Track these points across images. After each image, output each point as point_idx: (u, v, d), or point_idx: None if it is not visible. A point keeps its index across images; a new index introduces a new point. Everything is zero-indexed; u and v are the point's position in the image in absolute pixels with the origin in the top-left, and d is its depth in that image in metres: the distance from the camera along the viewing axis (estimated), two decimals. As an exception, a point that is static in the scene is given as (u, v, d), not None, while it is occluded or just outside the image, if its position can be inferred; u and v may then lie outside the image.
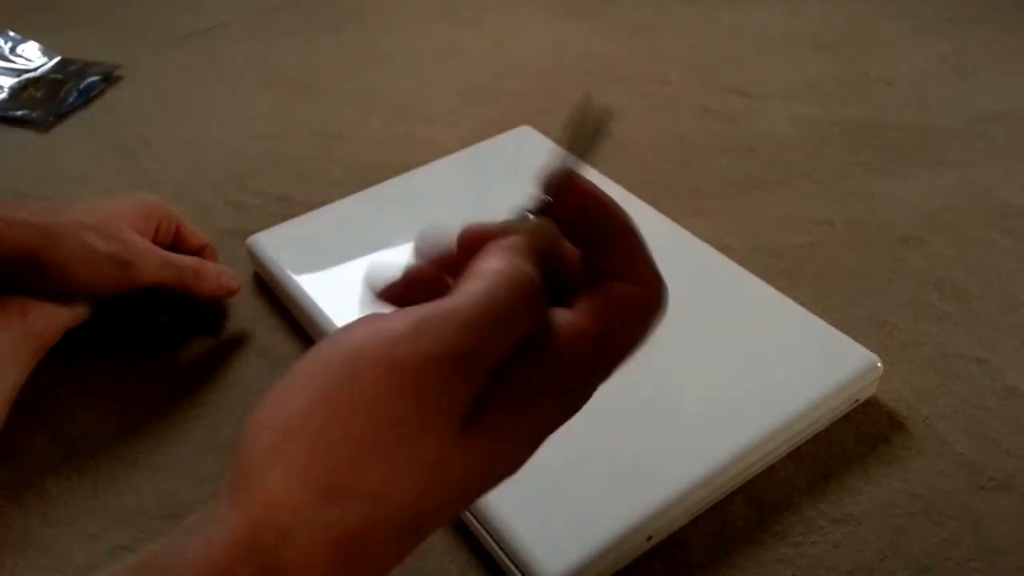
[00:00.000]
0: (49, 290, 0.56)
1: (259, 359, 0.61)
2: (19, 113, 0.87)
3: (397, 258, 0.35)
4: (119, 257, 0.56)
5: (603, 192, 0.35)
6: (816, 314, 0.59)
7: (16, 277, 0.54)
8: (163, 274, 0.58)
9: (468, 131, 0.81)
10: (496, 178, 0.72)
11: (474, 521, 0.49)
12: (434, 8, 1.05)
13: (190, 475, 0.54)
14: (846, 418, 0.56)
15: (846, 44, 0.96)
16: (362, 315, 0.32)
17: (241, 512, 0.28)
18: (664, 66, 0.93)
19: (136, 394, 0.59)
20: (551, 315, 0.32)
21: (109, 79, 0.92)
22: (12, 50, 0.95)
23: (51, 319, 0.56)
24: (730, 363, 0.56)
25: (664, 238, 0.65)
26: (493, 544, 0.48)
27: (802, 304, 0.59)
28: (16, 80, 0.92)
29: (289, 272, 0.63)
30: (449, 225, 0.35)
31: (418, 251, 0.35)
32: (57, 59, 0.94)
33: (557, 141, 0.34)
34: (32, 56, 0.95)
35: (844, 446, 0.55)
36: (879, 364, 0.56)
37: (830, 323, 0.58)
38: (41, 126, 0.86)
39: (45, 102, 0.88)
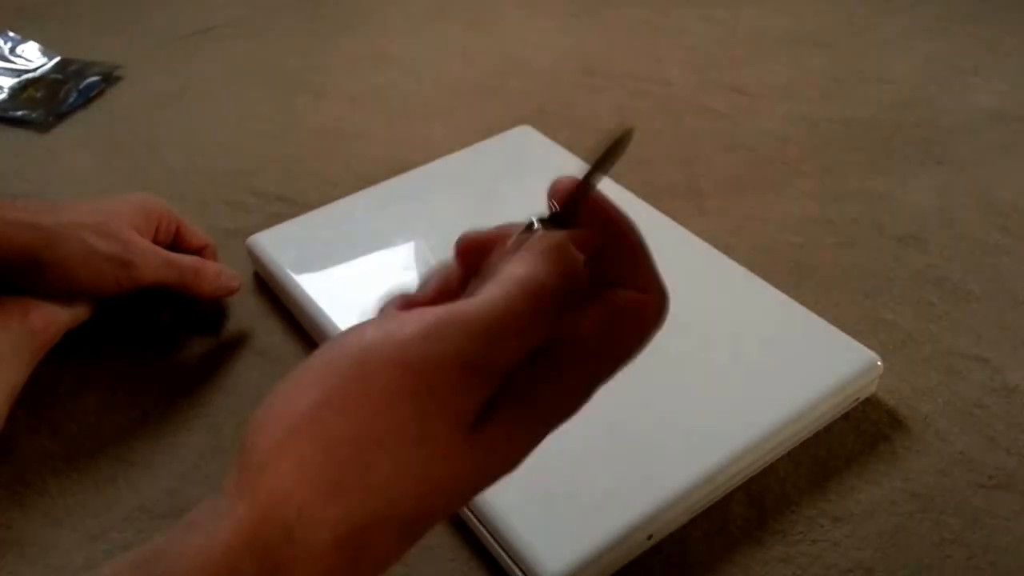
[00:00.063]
0: (49, 290, 0.56)
1: (259, 359, 0.61)
2: (19, 113, 0.87)
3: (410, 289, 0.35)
4: (119, 257, 0.56)
5: (614, 204, 0.35)
6: (816, 313, 0.59)
7: (16, 277, 0.55)
8: (163, 274, 0.58)
9: (468, 131, 0.81)
10: (496, 178, 0.72)
11: (475, 520, 0.49)
12: (434, 8, 1.05)
13: (191, 475, 0.54)
14: (846, 417, 0.56)
15: (845, 43, 0.96)
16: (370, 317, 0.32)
17: (246, 507, 0.28)
18: (664, 65, 0.93)
19: (136, 394, 0.59)
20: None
21: (109, 79, 0.92)
22: (12, 50, 0.95)
23: (51, 319, 0.56)
24: (730, 362, 0.56)
25: (665, 238, 0.65)
26: (494, 543, 0.48)
27: (802, 303, 0.59)
28: (16, 80, 0.92)
29: (289, 272, 0.63)
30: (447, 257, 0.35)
31: (424, 286, 0.35)
32: (57, 59, 0.94)
33: (582, 158, 0.34)
34: (32, 56, 0.95)
35: (844, 445, 0.55)
36: (879, 363, 0.56)
37: (830, 322, 0.58)
38: (41, 126, 0.86)
39: (45, 102, 0.88)
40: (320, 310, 0.60)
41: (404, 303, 0.34)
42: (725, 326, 0.58)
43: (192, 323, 0.63)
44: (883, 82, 0.89)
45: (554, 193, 0.35)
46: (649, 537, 0.49)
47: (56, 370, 0.59)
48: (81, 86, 0.90)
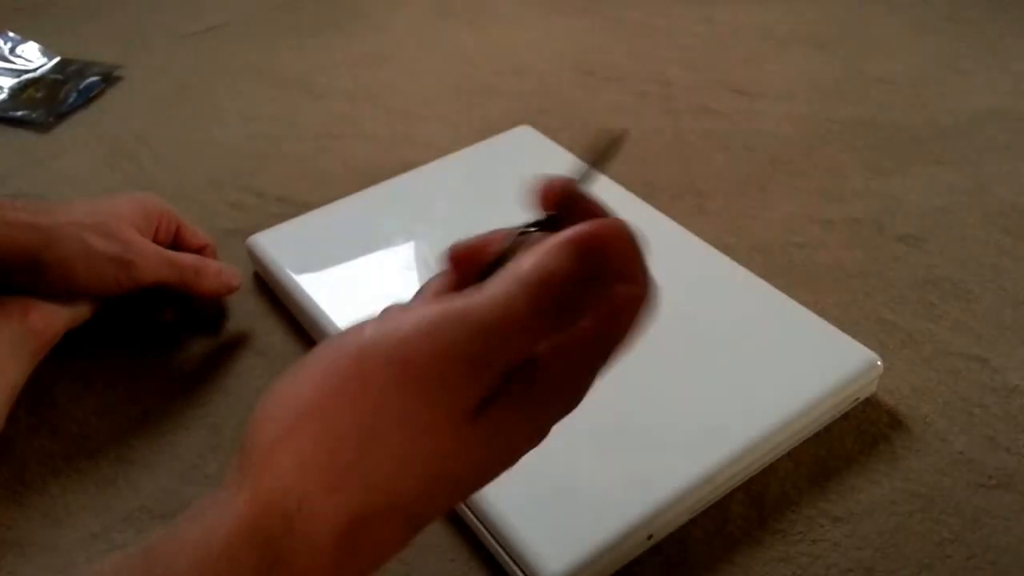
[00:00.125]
0: (50, 291, 0.56)
1: (259, 358, 0.62)
2: (19, 114, 0.87)
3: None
4: (120, 257, 0.56)
5: (605, 208, 0.35)
6: (816, 313, 0.59)
7: (17, 278, 0.55)
8: (164, 273, 0.58)
9: (468, 131, 0.81)
10: (496, 177, 0.72)
11: (475, 520, 0.49)
12: (433, 8, 1.05)
13: (191, 474, 0.54)
14: (846, 417, 0.56)
15: (845, 43, 0.96)
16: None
17: (246, 499, 0.28)
18: (663, 65, 0.93)
19: (137, 394, 0.59)
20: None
21: (109, 79, 0.92)
22: (12, 51, 0.95)
23: (52, 319, 0.56)
24: (730, 362, 0.56)
25: (664, 238, 0.65)
26: (494, 543, 0.48)
27: (802, 303, 0.59)
28: (16, 81, 0.92)
29: (289, 272, 0.63)
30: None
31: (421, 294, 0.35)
32: (57, 59, 0.94)
33: (574, 159, 0.34)
34: (32, 57, 0.95)
35: (844, 445, 0.55)
36: (879, 363, 0.56)
37: (830, 322, 0.58)
38: (41, 127, 0.86)
39: (45, 102, 0.88)
40: (320, 310, 0.60)
41: (402, 310, 0.34)
42: (725, 326, 0.58)
43: (192, 323, 0.63)
44: (883, 82, 0.89)
45: (545, 195, 0.35)
46: (649, 537, 0.49)
47: (56, 370, 0.59)
48: (81, 86, 0.90)
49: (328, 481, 0.28)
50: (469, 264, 0.34)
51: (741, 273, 0.62)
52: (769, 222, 0.72)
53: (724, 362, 0.56)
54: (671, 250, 0.64)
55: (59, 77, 0.92)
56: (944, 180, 0.76)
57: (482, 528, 0.49)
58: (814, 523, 0.51)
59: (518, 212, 0.36)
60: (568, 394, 0.33)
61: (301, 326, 0.63)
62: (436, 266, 0.36)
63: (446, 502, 0.32)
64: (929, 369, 0.59)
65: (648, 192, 0.69)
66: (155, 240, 0.60)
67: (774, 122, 0.84)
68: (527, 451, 0.33)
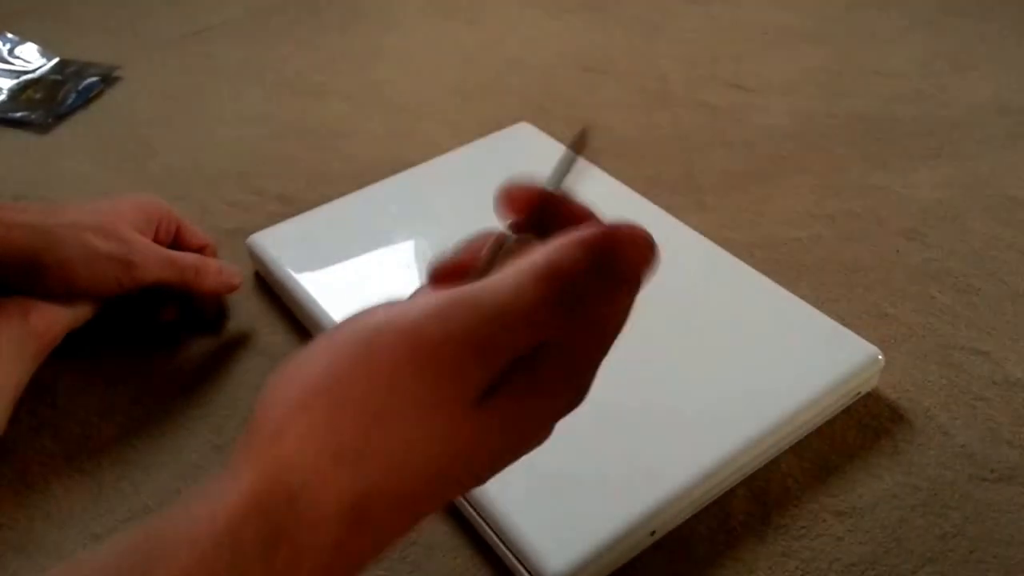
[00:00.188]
0: (51, 292, 0.56)
1: (261, 358, 0.62)
2: (18, 115, 0.87)
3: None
4: (120, 257, 0.56)
5: (588, 208, 0.35)
6: (817, 307, 0.59)
7: (18, 279, 0.55)
8: (165, 273, 0.58)
9: (467, 128, 0.81)
10: (496, 175, 0.71)
11: (478, 517, 0.49)
12: (432, 6, 1.05)
13: (193, 474, 0.54)
14: (848, 411, 0.56)
15: (843, 38, 0.96)
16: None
17: (251, 475, 0.28)
18: (662, 61, 0.93)
19: (138, 393, 0.59)
20: None
21: (108, 80, 0.92)
22: (11, 52, 0.95)
23: (53, 320, 0.56)
24: (731, 358, 0.56)
25: (664, 233, 0.64)
26: (497, 540, 0.48)
27: (803, 298, 0.60)
28: (15, 82, 0.92)
29: (290, 271, 0.63)
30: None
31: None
32: (56, 60, 0.94)
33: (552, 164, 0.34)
34: (31, 58, 0.95)
35: (846, 439, 0.55)
36: (880, 357, 0.56)
37: (831, 316, 0.58)
38: (40, 127, 0.86)
39: (44, 103, 0.88)
40: (321, 308, 0.60)
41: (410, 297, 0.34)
42: (726, 321, 0.58)
43: (193, 323, 0.64)
44: (882, 76, 0.89)
45: (508, 202, 0.36)
46: (652, 533, 0.49)
47: (57, 371, 0.59)
48: (80, 87, 0.90)
49: (333, 459, 0.29)
50: (453, 283, 0.33)
51: (742, 268, 0.62)
52: (768, 217, 0.72)
53: (725, 358, 0.56)
54: (671, 246, 0.63)
55: (58, 78, 0.92)
56: (943, 173, 0.76)
57: (485, 526, 0.49)
58: (817, 518, 0.51)
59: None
60: (572, 388, 0.34)
61: (302, 325, 0.63)
62: (436, 257, 0.36)
63: (448, 491, 0.32)
64: (930, 363, 0.59)
65: (647, 187, 0.69)
66: (155, 240, 0.60)
67: (773, 117, 0.84)
68: (530, 447, 0.33)
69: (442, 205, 0.69)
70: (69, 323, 0.57)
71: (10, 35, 0.97)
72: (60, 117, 0.87)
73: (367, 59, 0.95)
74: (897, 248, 0.69)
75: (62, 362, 0.58)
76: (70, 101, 0.89)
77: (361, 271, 0.64)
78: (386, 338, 0.30)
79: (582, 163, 0.35)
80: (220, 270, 0.62)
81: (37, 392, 0.57)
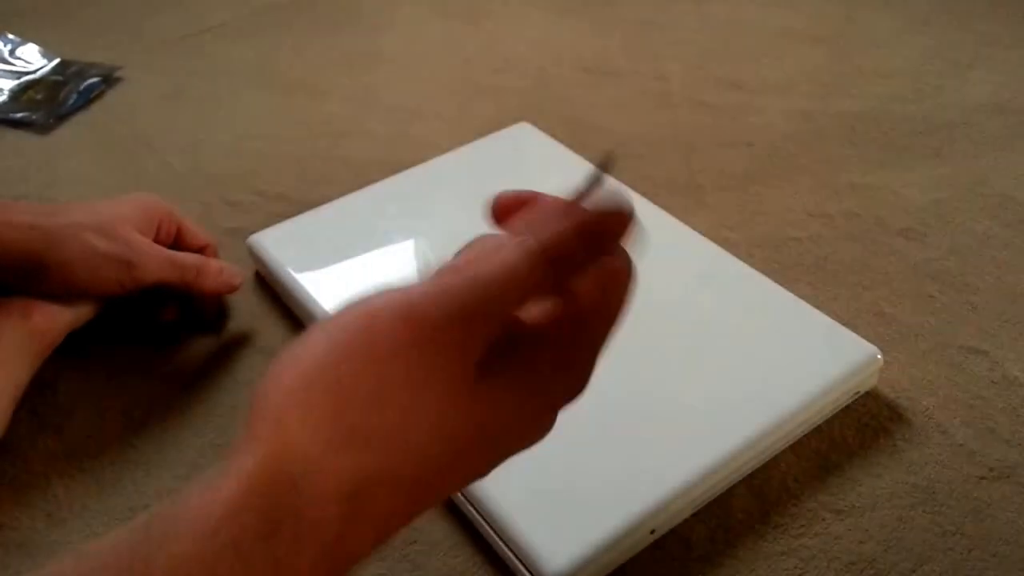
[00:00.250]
0: (52, 292, 0.56)
1: (261, 357, 0.62)
2: (19, 115, 0.87)
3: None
4: (121, 257, 0.56)
5: (563, 200, 0.36)
6: (816, 307, 0.59)
7: (19, 279, 0.55)
8: (166, 273, 0.59)
9: (467, 128, 0.81)
10: (496, 175, 0.72)
11: (478, 516, 0.49)
12: (432, 6, 1.05)
13: (195, 473, 0.54)
14: (847, 410, 0.56)
15: (842, 37, 0.96)
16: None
17: (252, 459, 0.28)
18: (661, 61, 0.93)
19: (139, 393, 0.59)
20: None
21: (109, 80, 0.92)
22: (12, 52, 0.96)
23: (54, 320, 0.56)
24: (730, 357, 0.56)
25: (664, 233, 0.65)
26: (497, 539, 0.48)
27: (802, 297, 0.60)
28: (16, 82, 0.92)
29: (290, 270, 0.64)
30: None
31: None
32: (57, 61, 0.95)
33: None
34: (32, 58, 0.95)
35: (845, 438, 0.55)
36: (879, 356, 0.56)
37: (830, 316, 0.58)
38: (41, 128, 0.86)
39: (45, 104, 0.89)
40: (321, 308, 0.60)
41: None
42: (725, 321, 0.58)
43: (194, 322, 0.64)
44: (880, 76, 0.89)
45: (501, 209, 0.37)
46: (652, 532, 0.49)
47: (58, 370, 0.59)
48: (81, 87, 0.90)
49: (334, 442, 0.29)
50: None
51: (741, 268, 0.62)
52: (768, 216, 0.72)
53: (724, 357, 0.56)
54: (670, 245, 0.64)
55: (59, 78, 0.92)
56: (942, 173, 0.76)
57: (486, 525, 0.49)
58: (816, 516, 0.51)
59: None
60: (572, 376, 0.35)
61: (302, 324, 0.63)
62: (436, 263, 0.36)
63: (448, 478, 0.32)
64: (929, 362, 0.60)
65: (647, 187, 0.69)
66: (156, 240, 0.60)
67: (772, 117, 0.84)
68: (532, 436, 0.34)
69: (442, 205, 0.69)
70: (70, 323, 0.57)
71: (11, 36, 0.97)
72: (61, 117, 0.87)
73: (367, 59, 0.95)
74: (896, 248, 0.69)
75: (64, 362, 0.59)
76: (71, 102, 0.89)
77: (361, 271, 0.64)
78: (385, 318, 0.30)
79: (607, 183, 0.36)
80: (221, 270, 0.62)
81: (38, 392, 0.58)
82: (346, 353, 0.30)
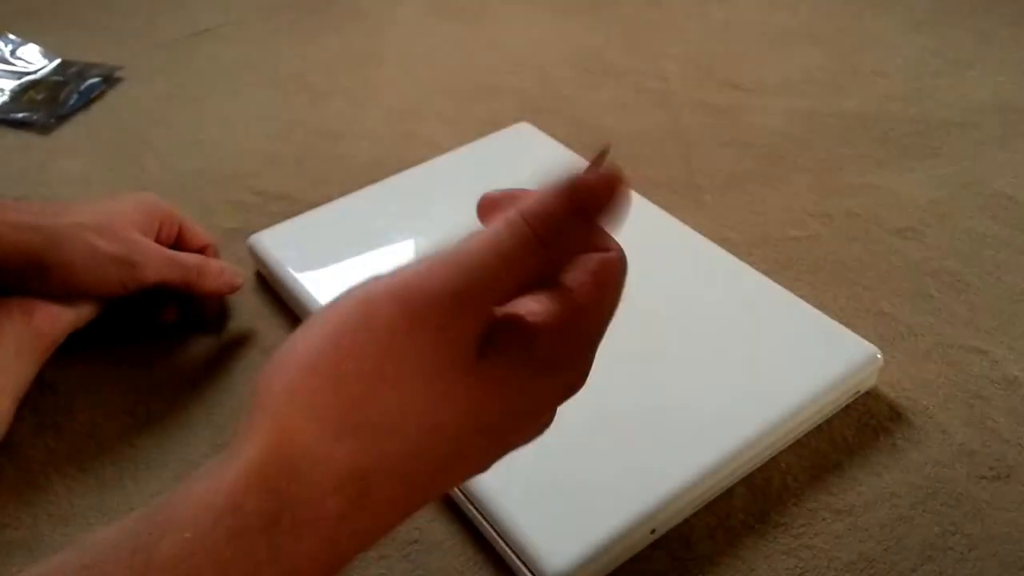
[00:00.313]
0: (53, 292, 0.56)
1: (262, 357, 0.62)
2: (20, 115, 0.87)
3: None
4: (122, 257, 0.56)
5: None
6: (815, 307, 0.59)
7: (20, 279, 0.55)
8: (167, 273, 0.59)
9: (467, 128, 0.81)
10: (495, 175, 0.72)
11: (479, 515, 0.49)
12: (432, 6, 1.05)
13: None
14: (847, 410, 0.56)
15: (840, 37, 0.96)
16: None
17: (253, 448, 0.28)
18: (660, 61, 0.93)
19: (140, 393, 0.59)
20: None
21: (109, 80, 0.92)
22: (12, 53, 0.96)
23: (56, 320, 0.56)
24: (730, 357, 0.56)
25: (663, 233, 0.65)
26: (498, 539, 0.48)
27: (801, 297, 0.60)
28: (17, 83, 0.92)
29: (291, 270, 0.64)
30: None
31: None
32: (57, 61, 0.95)
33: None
34: (32, 59, 0.95)
35: (845, 437, 0.55)
36: (879, 355, 0.56)
37: (829, 315, 0.58)
38: (42, 128, 0.86)
39: (46, 104, 0.89)
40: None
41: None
42: (724, 321, 0.59)
43: (195, 323, 0.64)
44: (879, 75, 0.90)
45: (489, 207, 0.37)
46: (652, 531, 0.49)
47: (59, 370, 0.59)
48: (82, 88, 0.90)
49: (334, 432, 0.29)
50: None
51: (741, 268, 0.62)
52: (767, 216, 0.72)
53: (724, 357, 0.56)
54: (669, 245, 0.64)
55: (60, 79, 0.92)
56: (941, 173, 0.76)
57: (486, 524, 0.49)
58: (816, 516, 0.51)
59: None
60: (569, 365, 0.35)
61: (303, 325, 0.63)
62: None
63: (448, 467, 0.32)
64: (929, 361, 0.60)
65: (646, 187, 0.69)
66: (157, 240, 0.61)
67: (771, 117, 0.84)
68: (531, 429, 0.34)
69: (442, 205, 0.69)
70: (72, 323, 0.57)
71: (12, 36, 0.98)
72: (62, 118, 0.87)
73: (367, 59, 0.95)
74: (895, 247, 0.69)
75: (65, 362, 0.59)
76: (72, 102, 0.89)
77: (362, 271, 0.63)
78: (380, 300, 0.31)
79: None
80: (222, 270, 0.62)
81: (40, 391, 0.58)
82: (345, 341, 0.30)
